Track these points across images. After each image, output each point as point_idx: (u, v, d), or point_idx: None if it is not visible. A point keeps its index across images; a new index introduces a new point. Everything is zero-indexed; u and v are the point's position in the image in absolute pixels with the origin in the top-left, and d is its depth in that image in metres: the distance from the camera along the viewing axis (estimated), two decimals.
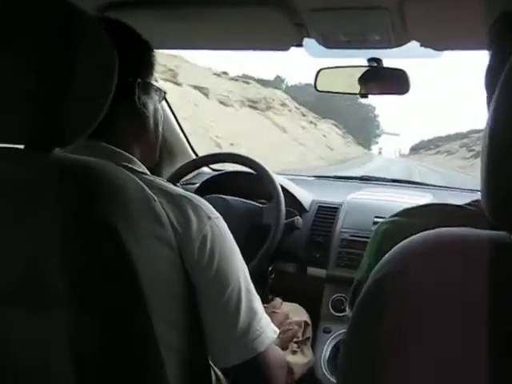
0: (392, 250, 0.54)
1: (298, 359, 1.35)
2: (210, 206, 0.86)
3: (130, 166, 0.85)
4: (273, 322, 0.92)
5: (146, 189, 0.76)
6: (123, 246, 0.69)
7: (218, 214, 0.86)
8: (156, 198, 0.76)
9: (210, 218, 0.83)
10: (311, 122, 39.03)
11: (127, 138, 0.91)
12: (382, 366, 0.50)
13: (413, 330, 0.49)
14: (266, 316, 0.88)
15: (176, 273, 0.77)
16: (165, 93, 1.03)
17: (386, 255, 0.54)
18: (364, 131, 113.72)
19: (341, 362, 0.56)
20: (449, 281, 0.48)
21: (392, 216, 0.74)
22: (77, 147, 0.79)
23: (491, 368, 0.44)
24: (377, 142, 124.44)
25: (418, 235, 0.54)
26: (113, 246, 0.70)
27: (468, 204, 0.70)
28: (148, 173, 0.89)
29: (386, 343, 0.50)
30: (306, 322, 1.47)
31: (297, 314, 1.46)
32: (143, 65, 0.94)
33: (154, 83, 0.97)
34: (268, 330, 0.87)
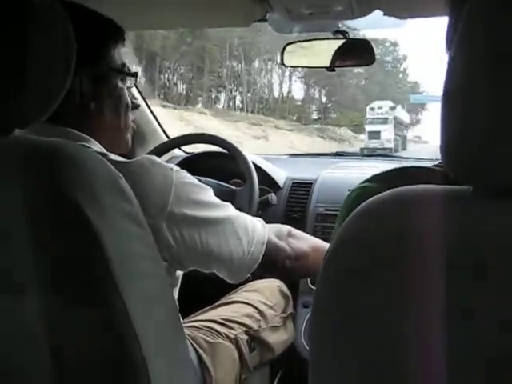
0: (352, 212, 0.55)
1: (278, 337, 1.36)
2: (167, 164, 0.91)
3: (87, 145, 0.84)
4: None
5: (110, 166, 0.75)
6: (87, 222, 0.68)
7: (177, 167, 0.91)
8: (121, 176, 0.76)
9: (172, 169, 0.89)
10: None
11: (83, 125, 0.92)
12: (347, 321, 0.50)
13: (376, 285, 0.49)
14: (249, 221, 0.97)
15: (146, 249, 0.77)
16: (136, 75, 1.03)
17: (347, 219, 0.54)
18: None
19: (310, 321, 0.56)
20: (409, 236, 0.48)
21: (362, 182, 0.75)
22: (34, 130, 0.78)
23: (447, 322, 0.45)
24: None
25: (379, 195, 0.54)
26: (76, 222, 0.69)
27: (435, 165, 0.71)
28: (106, 152, 0.88)
29: (349, 303, 0.50)
30: (287, 296, 1.48)
31: (275, 290, 1.46)
32: (95, 55, 0.94)
33: (119, 69, 0.97)
34: (258, 232, 0.96)
